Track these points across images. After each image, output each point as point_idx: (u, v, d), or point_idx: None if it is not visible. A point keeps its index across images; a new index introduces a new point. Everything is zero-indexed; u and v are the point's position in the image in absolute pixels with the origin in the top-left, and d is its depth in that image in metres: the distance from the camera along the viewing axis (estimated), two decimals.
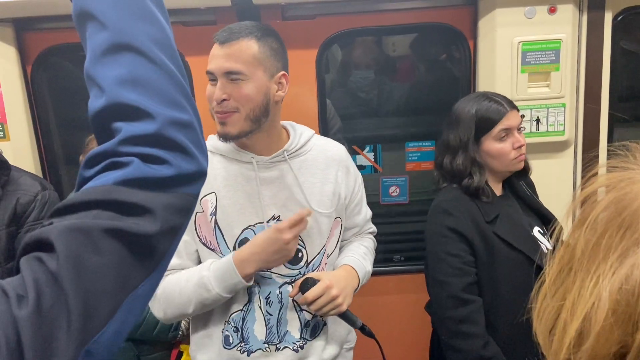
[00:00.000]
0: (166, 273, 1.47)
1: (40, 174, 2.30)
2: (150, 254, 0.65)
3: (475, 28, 2.24)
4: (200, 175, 0.72)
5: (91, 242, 0.60)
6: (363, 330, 1.51)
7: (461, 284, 1.63)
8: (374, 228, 1.78)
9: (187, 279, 1.44)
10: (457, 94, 2.37)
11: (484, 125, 1.69)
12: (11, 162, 2.01)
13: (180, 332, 1.93)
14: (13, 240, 1.95)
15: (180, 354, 1.98)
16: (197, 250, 1.52)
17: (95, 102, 0.69)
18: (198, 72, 2.22)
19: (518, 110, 1.74)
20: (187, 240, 1.50)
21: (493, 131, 1.68)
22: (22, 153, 2.25)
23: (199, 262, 1.52)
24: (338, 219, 1.60)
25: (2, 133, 2.22)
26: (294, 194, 1.51)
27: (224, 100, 1.41)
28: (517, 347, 1.61)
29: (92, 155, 0.68)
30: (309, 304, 1.44)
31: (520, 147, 1.70)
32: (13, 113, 2.22)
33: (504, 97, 1.74)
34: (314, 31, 2.25)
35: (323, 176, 1.56)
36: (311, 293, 1.43)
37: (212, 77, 1.43)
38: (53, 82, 2.35)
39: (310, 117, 2.26)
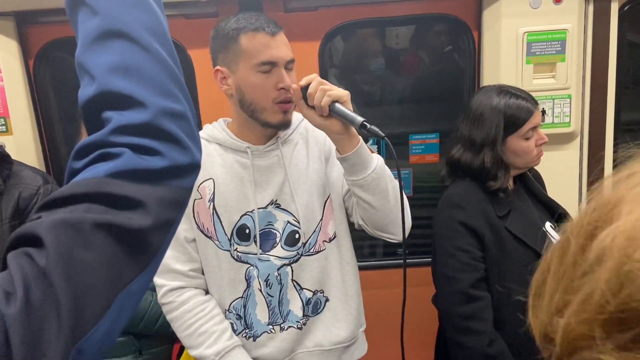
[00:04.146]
0: (183, 284, 1.50)
1: (43, 168, 2.30)
2: (143, 250, 0.63)
3: (479, 18, 2.21)
4: (194, 168, 0.70)
5: (82, 237, 0.58)
6: (364, 127, 1.29)
7: (470, 280, 1.59)
8: None
9: (198, 332, 1.53)
10: (462, 86, 2.35)
11: (513, 123, 1.62)
12: (14, 156, 2.01)
13: None
14: None
15: (182, 348, 1.97)
16: (194, 239, 1.51)
17: (86, 90, 0.67)
18: (200, 65, 2.20)
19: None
20: (187, 239, 1.50)
21: (522, 130, 1.62)
22: (25, 147, 2.25)
23: (196, 251, 1.52)
24: (331, 195, 1.57)
25: (4, 127, 2.21)
26: (287, 179, 1.51)
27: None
28: (526, 344, 1.57)
29: (82, 146, 0.65)
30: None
31: (542, 144, 1.66)
32: (15, 107, 2.21)
33: (527, 93, 1.67)
34: (316, 23, 2.23)
35: (308, 157, 1.54)
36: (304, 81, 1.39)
37: (268, 68, 1.40)
38: (55, 75, 2.34)
39: None
